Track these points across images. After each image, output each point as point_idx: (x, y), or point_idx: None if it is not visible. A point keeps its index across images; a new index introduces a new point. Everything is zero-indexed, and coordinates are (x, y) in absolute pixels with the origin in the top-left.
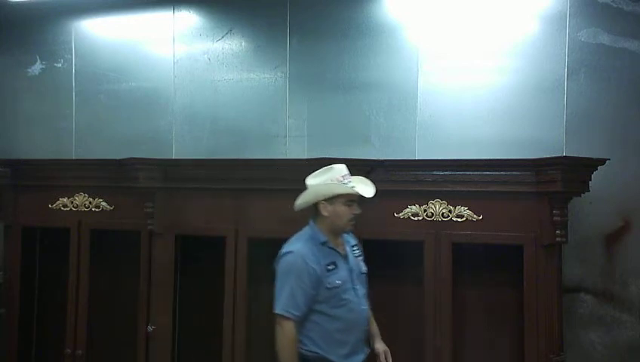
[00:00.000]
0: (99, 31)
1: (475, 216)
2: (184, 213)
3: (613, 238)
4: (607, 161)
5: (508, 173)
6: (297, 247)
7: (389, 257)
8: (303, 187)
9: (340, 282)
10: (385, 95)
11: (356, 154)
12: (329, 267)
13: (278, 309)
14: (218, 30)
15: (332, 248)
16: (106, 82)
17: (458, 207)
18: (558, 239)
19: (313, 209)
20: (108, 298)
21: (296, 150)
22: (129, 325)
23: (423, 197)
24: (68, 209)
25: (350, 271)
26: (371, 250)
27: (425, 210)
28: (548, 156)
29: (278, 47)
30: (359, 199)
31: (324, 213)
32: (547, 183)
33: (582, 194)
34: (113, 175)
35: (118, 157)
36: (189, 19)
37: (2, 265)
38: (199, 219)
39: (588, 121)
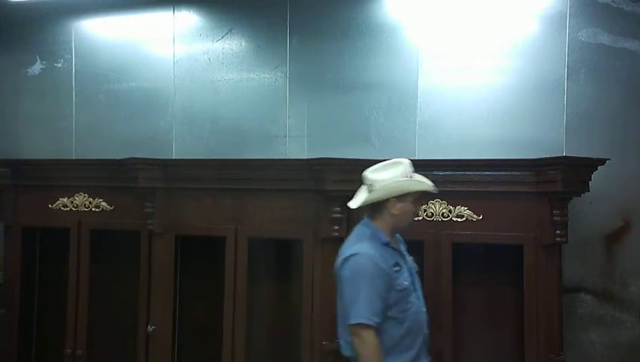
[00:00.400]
0: (99, 31)
1: (475, 216)
2: (184, 213)
3: (613, 238)
4: (607, 161)
5: (508, 173)
6: (363, 248)
7: None
8: (303, 187)
9: (407, 283)
10: (385, 95)
11: (356, 154)
12: (395, 268)
13: (358, 318)
14: (218, 30)
15: (394, 248)
16: (106, 82)
17: (458, 207)
18: (558, 239)
19: (371, 207)
20: (108, 298)
21: (296, 150)
22: (129, 325)
23: (423, 197)
24: (68, 209)
25: (410, 271)
26: None
27: (425, 210)
28: (548, 156)
29: (278, 47)
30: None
31: (394, 211)
32: (547, 183)
33: (582, 194)
34: (113, 175)
35: (118, 158)
36: (189, 19)
37: (2, 265)
38: (199, 219)
39: (588, 121)
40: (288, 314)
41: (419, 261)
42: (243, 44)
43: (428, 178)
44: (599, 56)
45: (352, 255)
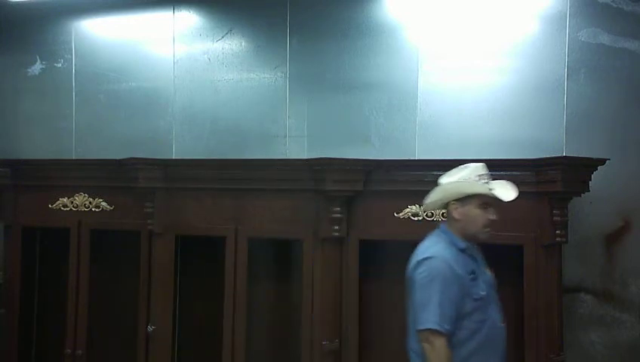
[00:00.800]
0: (99, 31)
1: None
2: (184, 213)
3: (613, 238)
4: (607, 161)
5: (508, 173)
6: (438, 251)
7: (389, 257)
8: (303, 187)
9: (484, 293)
10: (385, 95)
11: (356, 154)
12: (472, 276)
13: (428, 323)
14: (218, 30)
15: (471, 256)
16: (106, 82)
17: None
18: (558, 239)
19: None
20: (108, 298)
21: (296, 150)
22: (129, 325)
23: (423, 197)
24: (68, 209)
25: (488, 283)
26: (371, 249)
27: (425, 210)
28: (548, 156)
29: (278, 47)
30: (495, 202)
31: (455, 216)
32: (547, 183)
33: (582, 194)
34: (113, 175)
35: (118, 158)
36: (189, 19)
37: (2, 265)
38: (199, 219)
39: (588, 121)
40: (288, 314)
41: None
42: (243, 44)
43: (427, 178)
44: (599, 56)
45: (426, 258)
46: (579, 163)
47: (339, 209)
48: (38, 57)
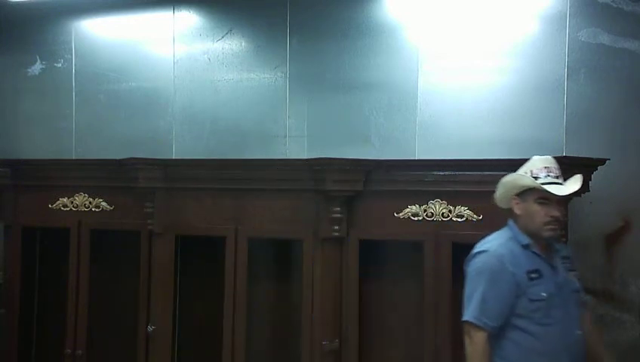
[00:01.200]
0: (99, 31)
1: (475, 216)
2: (184, 213)
3: (613, 238)
4: (607, 161)
5: (508, 173)
6: (493, 246)
7: (389, 257)
8: (303, 187)
9: (545, 295)
10: (385, 95)
11: (356, 154)
12: (532, 275)
13: (468, 316)
14: (218, 30)
15: (537, 253)
16: (106, 82)
17: (458, 207)
18: None
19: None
20: (108, 298)
21: (296, 150)
22: (129, 325)
23: (423, 197)
24: (68, 209)
25: (559, 285)
26: (371, 249)
27: (425, 210)
28: None
29: (278, 47)
30: (555, 198)
31: (517, 211)
32: None
33: (582, 194)
34: (113, 175)
35: (118, 158)
36: (189, 19)
37: (2, 265)
38: (199, 219)
39: (588, 121)
40: (288, 314)
41: (419, 261)
42: (243, 44)
43: (427, 178)
44: (599, 56)
45: (480, 251)
46: (579, 163)
47: (339, 209)
48: (38, 57)
